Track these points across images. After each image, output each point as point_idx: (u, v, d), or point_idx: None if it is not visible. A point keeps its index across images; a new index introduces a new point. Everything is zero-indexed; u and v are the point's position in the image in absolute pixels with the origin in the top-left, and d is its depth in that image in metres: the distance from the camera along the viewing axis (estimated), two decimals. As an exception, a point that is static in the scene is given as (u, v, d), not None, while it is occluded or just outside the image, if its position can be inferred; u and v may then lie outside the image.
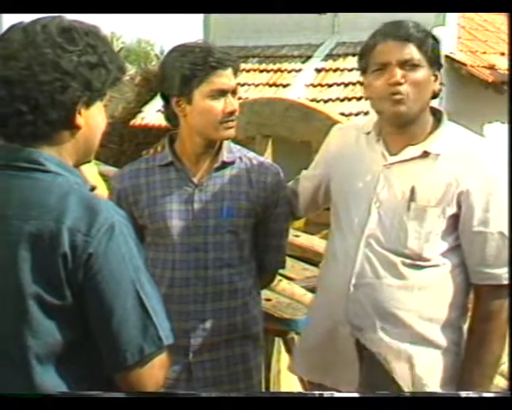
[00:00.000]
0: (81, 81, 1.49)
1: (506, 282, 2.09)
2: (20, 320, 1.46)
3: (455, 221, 2.10)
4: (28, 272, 1.44)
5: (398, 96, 2.05)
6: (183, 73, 2.17)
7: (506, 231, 2.08)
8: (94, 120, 1.56)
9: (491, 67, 9.25)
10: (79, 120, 1.52)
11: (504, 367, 2.34)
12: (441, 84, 2.15)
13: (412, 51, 2.06)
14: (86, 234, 1.44)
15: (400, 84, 2.05)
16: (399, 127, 2.13)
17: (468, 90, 9.26)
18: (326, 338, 2.25)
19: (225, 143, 2.31)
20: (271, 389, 3.08)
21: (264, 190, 2.32)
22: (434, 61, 2.10)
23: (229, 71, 2.20)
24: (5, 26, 1.53)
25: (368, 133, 2.21)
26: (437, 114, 2.18)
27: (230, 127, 2.23)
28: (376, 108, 2.14)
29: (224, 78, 2.19)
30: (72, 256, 1.43)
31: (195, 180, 2.28)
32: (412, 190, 2.09)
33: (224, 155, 2.29)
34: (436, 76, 2.12)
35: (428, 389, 2.10)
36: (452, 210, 2.09)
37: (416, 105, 2.07)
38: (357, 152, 2.23)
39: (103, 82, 1.54)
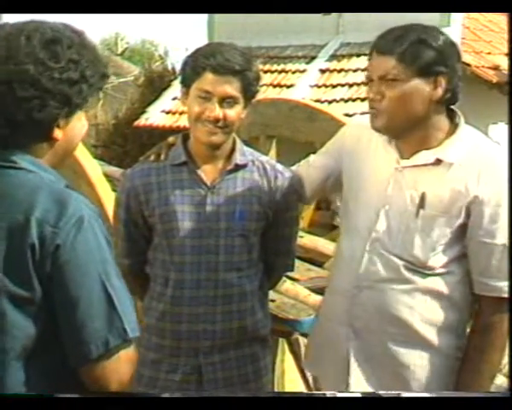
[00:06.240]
0: (60, 99, 1.51)
1: (506, 295, 2.06)
2: None
3: (463, 231, 2.07)
4: None
5: (373, 111, 2.05)
6: (189, 67, 2.20)
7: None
8: (72, 130, 1.58)
9: (496, 68, 9.23)
10: (57, 133, 1.54)
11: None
12: (450, 86, 2.02)
13: (389, 65, 1.99)
14: (54, 226, 1.45)
15: (374, 100, 2.03)
16: (393, 137, 2.10)
17: (472, 90, 9.23)
18: (331, 339, 2.25)
19: (238, 145, 2.30)
20: (275, 390, 3.08)
21: (276, 195, 2.31)
22: (427, 69, 1.99)
23: (226, 78, 2.15)
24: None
25: None
26: (455, 118, 2.10)
27: (213, 133, 2.19)
28: None
29: (209, 82, 2.15)
30: (40, 247, 1.44)
31: (208, 182, 2.27)
32: (422, 197, 2.06)
33: (237, 158, 2.28)
34: (437, 81, 2.01)
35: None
36: (460, 220, 2.05)
37: (401, 118, 2.01)
38: (371, 151, 2.19)
39: (84, 97, 1.56)
